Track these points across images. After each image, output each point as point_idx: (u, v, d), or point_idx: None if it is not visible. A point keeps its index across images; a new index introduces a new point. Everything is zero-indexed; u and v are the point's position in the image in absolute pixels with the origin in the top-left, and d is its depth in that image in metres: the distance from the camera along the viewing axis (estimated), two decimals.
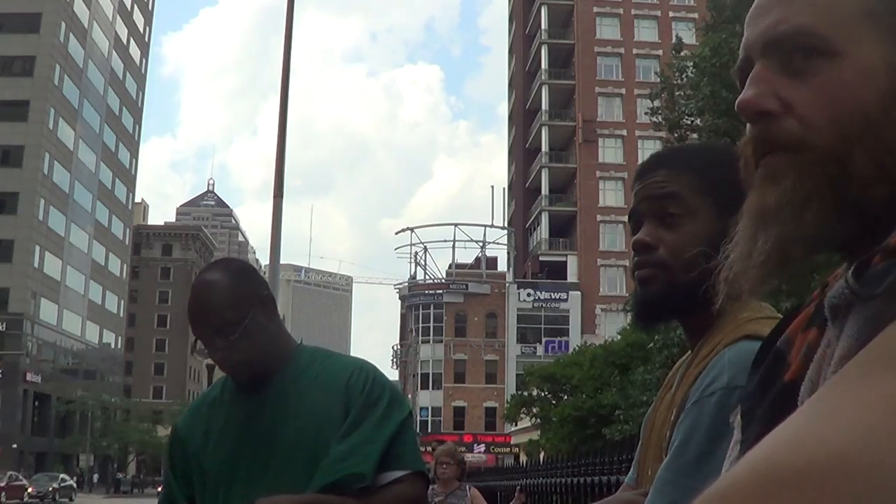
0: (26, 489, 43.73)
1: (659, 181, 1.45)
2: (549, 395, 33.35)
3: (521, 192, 73.24)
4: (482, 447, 60.11)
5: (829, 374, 0.66)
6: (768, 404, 0.76)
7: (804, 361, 0.74)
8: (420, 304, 69.64)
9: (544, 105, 68.98)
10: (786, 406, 0.70)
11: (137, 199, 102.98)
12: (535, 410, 34.95)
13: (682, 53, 22.91)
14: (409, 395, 65.66)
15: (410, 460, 2.04)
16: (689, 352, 1.45)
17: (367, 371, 2.09)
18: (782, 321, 0.84)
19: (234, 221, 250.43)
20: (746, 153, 0.78)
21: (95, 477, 68.69)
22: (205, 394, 2.26)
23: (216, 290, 2.02)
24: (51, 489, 45.88)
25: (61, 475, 51.38)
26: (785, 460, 0.52)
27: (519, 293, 65.05)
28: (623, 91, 65.70)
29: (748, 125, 0.78)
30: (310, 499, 1.94)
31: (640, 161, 1.71)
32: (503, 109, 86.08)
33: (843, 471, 0.50)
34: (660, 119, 22.68)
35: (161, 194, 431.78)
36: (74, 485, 52.92)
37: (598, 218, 63.51)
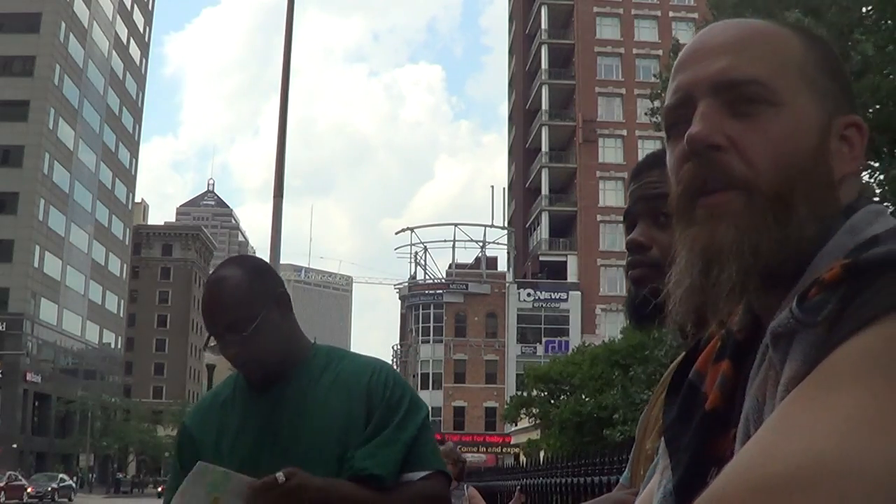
0: (26, 489, 43.69)
1: (653, 181, 1.46)
2: (548, 396, 33.30)
3: (521, 192, 73.20)
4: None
5: (780, 393, 0.73)
6: (693, 432, 0.84)
7: (721, 390, 0.83)
8: (420, 304, 69.61)
9: (544, 105, 68.95)
10: (712, 431, 0.81)
11: (137, 199, 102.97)
12: (534, 411, 34.92)
13: None
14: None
15: (431, 460, 2.04)
16: (684, 352, 1.43)
17: (386, 371, 2.09)
18: (687, 356, 0.94)
19: (234, 221, 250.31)
20: (685, 183, 0.84)
21: (92, 476, 68.55)
22: (214, 392, 2.22)
23: (230, 286, 2.01)
24: (50, 489, 45.84)
25: (60, 475, 51.35)
26: (772, 469, 0.58)
27: (519, 293, 65.01)
28: (623, 91, 65.67)
29: (676, 159, 0.86)
30: (333, 483, 1.92)
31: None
32: (504, 109, 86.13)
33: (829, 475, 0.57)
34: (659, 119, 22.66)
35: (162, 194, 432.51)
36: (74, 485, 52.87)
37: (598, 218, 63.48)
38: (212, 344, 2.03)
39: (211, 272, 2.10)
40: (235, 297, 1.99)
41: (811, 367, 0.68)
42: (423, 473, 2.00)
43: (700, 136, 0.82)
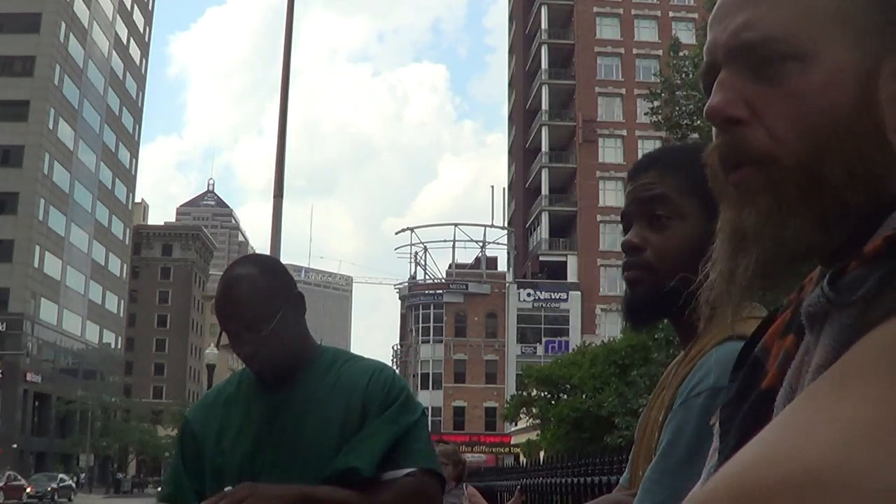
0: (25, 489, 43.67)
1: (648, 183, 1.46)
2: (549, 396, 33.32)
3: (521, 192, 73.23)
4: None
5: (807, 383, 0.66)
6: (745, 412, 0.75)
7: (780, 369, 0.73)
8: (420, 304, 69.65)
9: (544, 105, 68.98)
10: (762, 414, 0.70)
11: (139, 200, 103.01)
12: (534, 411, 34.95)
13: (682, 53, 22.98)
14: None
15: (421, 458, 2.02)
16: (682, 352, 1.45)
17: (385, 374, 2.09)
18: (760, 327, 0.83)
19: (234, 221, 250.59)
20: (713, 161, 0.76)
21: (84, 476, 68.43)
22: (218, 389, 2.22)
23: (248, 285, 2.00)
24: (50, 489, 45.83)
25: (60, 475, 51.35)
26: (759, 476, 0.53)
27: (519, 293, 65.04)
28: (623, 91, 65.71)
29: (714, 132, 0.76)
30: (303, 490, 1.90)
31: None
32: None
33: (816, 488, 0.50)
34: (659, 119, 22.70)
35: (166, 195, 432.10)
36: (73, 485, 52.88)
37: (598, 218, 63.51)
38: (224, 343, 2.02)
39: (225, 270, 2.10)
40: (254, 295, 1.99)
41: (839, 355, 0.59)
42: (407, 471, 1.98)
43: (716, 110, 0.73)
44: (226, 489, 1.87)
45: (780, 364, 0.73)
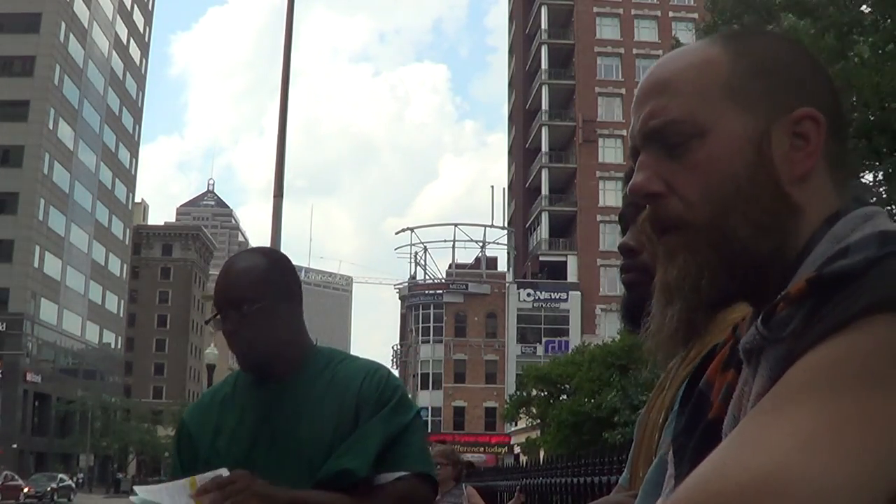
0: (22, 489, 43.55)
1: None
2: (548, 396, 33.28)
3: (521, 192, 73.22)
4: None
5: (749, 409, 0.75)
6: (695, 442, 0.85)
7: (724, 401, 0.83)
8: (420, 304, 69.62)
9: (544, 105, 68.96)
10: (711, 442, 0.78)
11: (139, 199, 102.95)
12: (533, 411, 34.90)
13: None
14: (409, 396, 65.50)
15: (415, 461, 2.01)
16: (682, 353, 1.44)
17: (380, 374, 2.08)
18: (701, 363, 0.94)
19: (234, 221, 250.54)
20: (646, 231, 0.93)
21: (84, 476, 68.39)
22: (213, 390, 2.23)
23: (244, 266, 2.06)
24: (49, 489, 45.71)
25: (60, 475, 51.24)
26: (712, 486, 0.63)
27: (519, 293, 65.02)
28: (623, 91, 65.67)
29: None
30: (294, 495, 1.90)
31: None
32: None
33: (764, 492, 0.61)
34: None
35: (167, 195, 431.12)
36: (73, 485, 52.78)
37: (598, 218, 63.49)
38: (216, 319, 2.05)
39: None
40: (246, 276, 2.03)
41: (775, 383, 0.71)
42: (398, 474, 1.97)
43: (637, 188, 0.86)
44: (220, 470, 1.87)
45: (724, 396, 0.84)
